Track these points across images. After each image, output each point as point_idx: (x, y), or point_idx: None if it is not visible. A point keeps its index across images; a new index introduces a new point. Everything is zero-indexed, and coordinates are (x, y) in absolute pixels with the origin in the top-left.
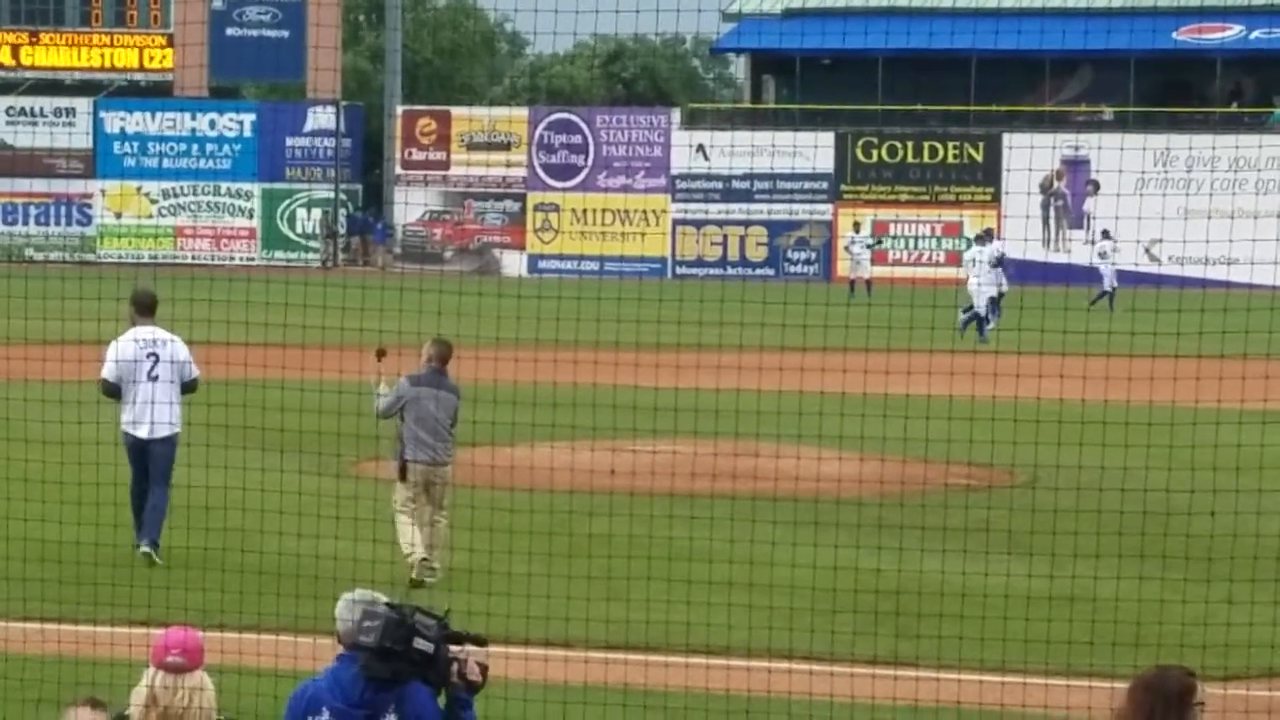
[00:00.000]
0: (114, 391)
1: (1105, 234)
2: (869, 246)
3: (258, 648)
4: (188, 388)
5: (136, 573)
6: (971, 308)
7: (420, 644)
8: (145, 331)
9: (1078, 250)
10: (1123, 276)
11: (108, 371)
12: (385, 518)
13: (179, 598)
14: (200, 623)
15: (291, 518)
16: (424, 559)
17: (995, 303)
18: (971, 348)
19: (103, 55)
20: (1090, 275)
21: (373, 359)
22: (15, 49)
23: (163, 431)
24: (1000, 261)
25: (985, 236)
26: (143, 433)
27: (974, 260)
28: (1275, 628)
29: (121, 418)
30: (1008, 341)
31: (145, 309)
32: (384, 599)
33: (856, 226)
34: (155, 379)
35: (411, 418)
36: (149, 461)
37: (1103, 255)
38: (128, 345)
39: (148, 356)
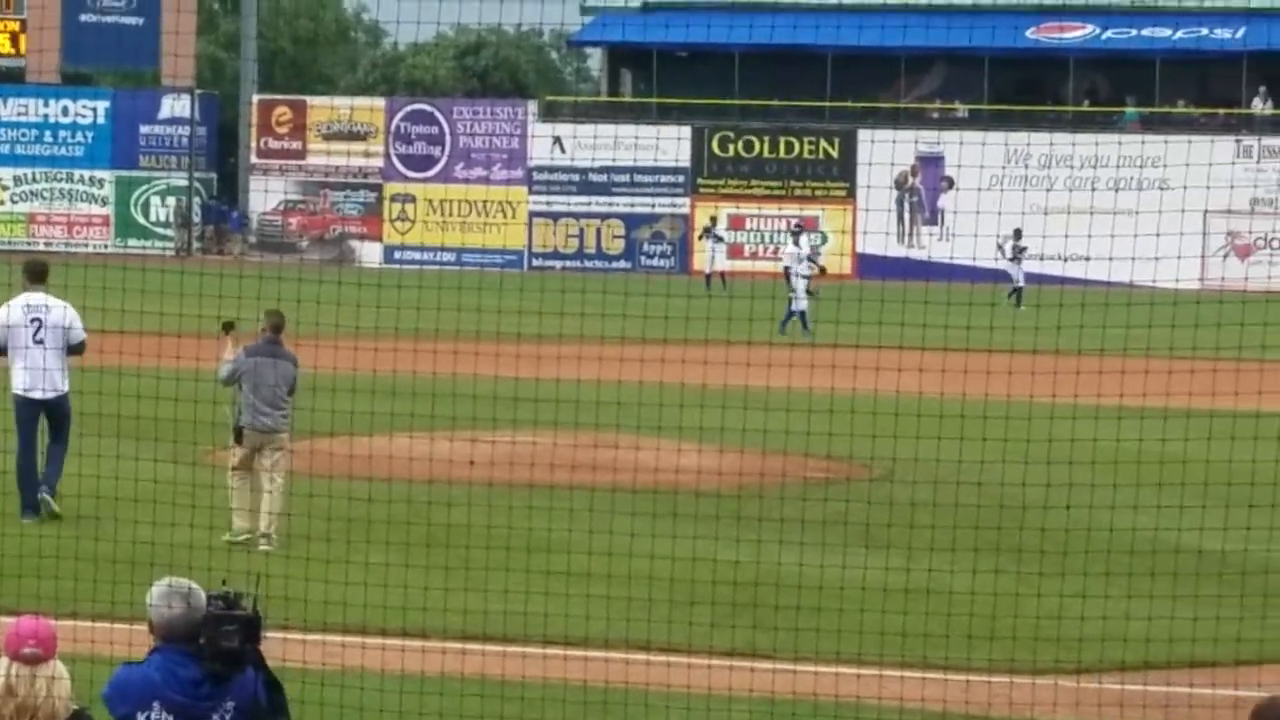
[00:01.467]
0: (2, 352)
1: (1017, 233)
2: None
3: (111, 636)
4: (74, 350)
5: None
6: (801, 304)
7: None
8: (32, 297)
9: (935, 247)
10: (978, 273)
11: None
12: (216, 505)
13: (30, 586)
14: (53, 610)
15: (146, 506)
16: (262, 533)
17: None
18: (810, 341)
19: None
20: (949, 272)
21: (221, 333)
22: None
23: (54, 392)
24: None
25: (801, 231)
26: (37, 394)
27: (799, 256)
28: (1128, 621)
29: (12, 381)
30: (867, 336)
31: (35, 276)
32: (195, 585)
33: (713, 220)
34: (40, 343)
35: (249, 386)
36: (47, 420)
37: (1017, 253)
38: (14, 311)
39: (31, 322)
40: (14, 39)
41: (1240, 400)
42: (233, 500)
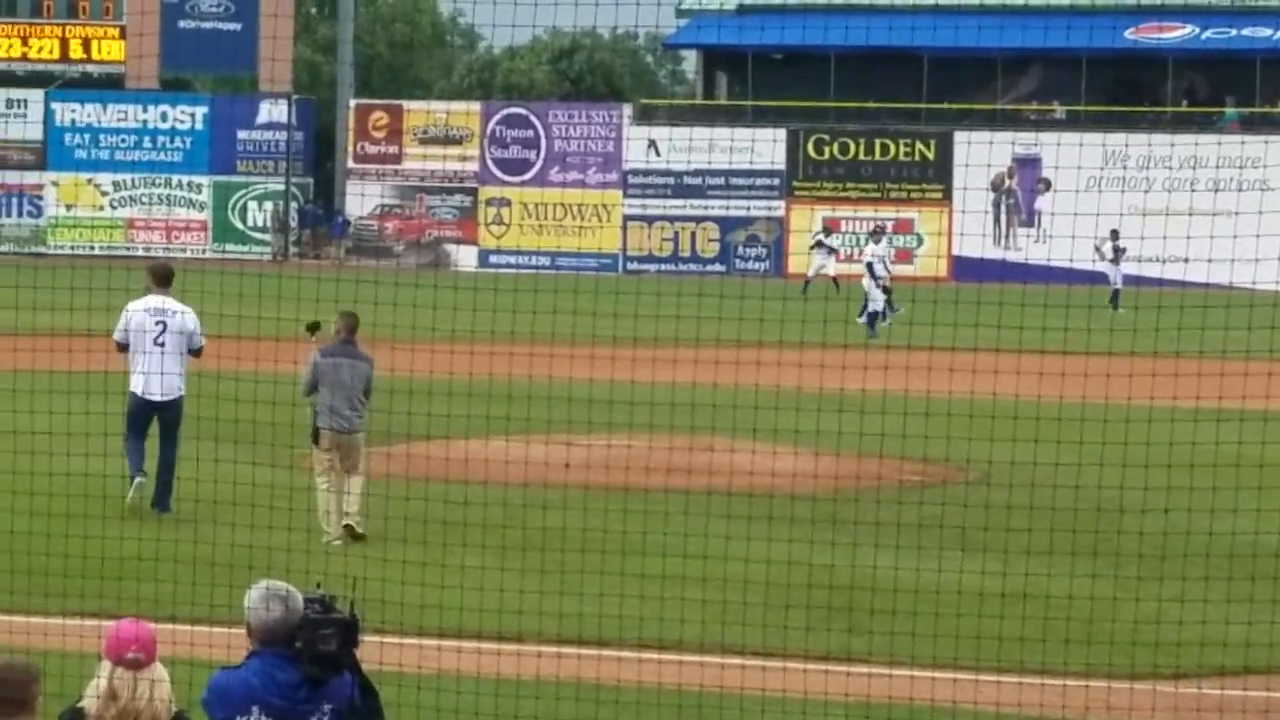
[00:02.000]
0: (125, 349)
1: (1114, 234)
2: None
3: (210, 639)
4: (193, 353)
5: (88, 564)
6: (883, 305)
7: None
8: (157, 300)
9: (1031, 249)
10: (1075, 275)
11: (117, 334)
12: (308, 506)
13: (130, 589)
14: (152, 614)
15: (244, 509)
16: (345, 525)
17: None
18: (884, 343)
19: (54, 46)
20: (1046, 274)
21: (306, 334)
22: None
23: (170, 395)
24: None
25: (880, 233)
26: (153, 396)
27: (881, 258)
28: (1227, 626)
29: (131, 381)
30: (963, 339)
31: (161, 280)
32: (293, 588)
33: (828, 231)
34: (162, 345)
35: (326, 387)
36: (159, 422)
37: (1117, 254)
38: (139, 313)
39: (156, 324)
40: (86, 45)
41: None
42: (320, 505)
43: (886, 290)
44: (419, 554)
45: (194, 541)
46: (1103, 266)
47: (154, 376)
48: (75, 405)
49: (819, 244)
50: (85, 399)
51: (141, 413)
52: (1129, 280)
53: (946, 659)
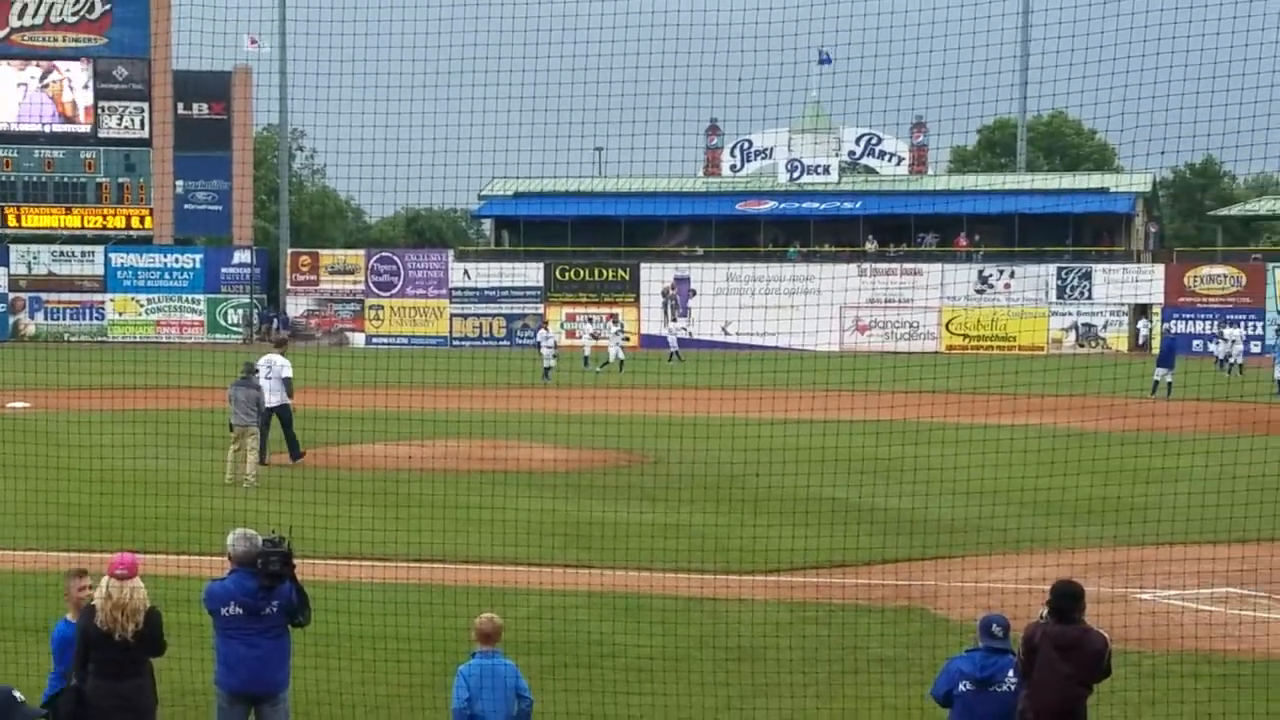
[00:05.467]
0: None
1: (684, 314)
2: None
3: (186, 564)
4: (284, 383)
5: (126, 521)
6: (608, 362)
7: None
8: (269, 355)
9: (684, 329)
10: (706, 344)
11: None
12: (264, 485)
13: (150, 535)
14: (169, 550)
15: (220, 487)
16: (246, 479)
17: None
18: (545, 385)
19: (110, 220)
20: (695, 344)
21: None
22: (58, 216)
23: (278, 402)
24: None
25: (540, 327)
26: (271, 404)
27: (611, 333)
28: (793, 540)
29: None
30: (643, 381)
31: (276, 343)
32: (254, 531)
33: (615, 319)
34: (269, 378)
35: (233, 402)
36: (277, 416)
37: (675, 330)
38: (261, 361)
39: (266, 367)
40: (128, 220)
41: (856, 413)
42: (227, 460)
43: (585, 359)
44: (328, 510)
45: (191, 508)
46: (669, 336)
47: (271, 394)
48: (130, 430)
49: (608, 322)
50: (137, 426)
51: (267, 414)
52: (734, 347)
53: (634, 562)
